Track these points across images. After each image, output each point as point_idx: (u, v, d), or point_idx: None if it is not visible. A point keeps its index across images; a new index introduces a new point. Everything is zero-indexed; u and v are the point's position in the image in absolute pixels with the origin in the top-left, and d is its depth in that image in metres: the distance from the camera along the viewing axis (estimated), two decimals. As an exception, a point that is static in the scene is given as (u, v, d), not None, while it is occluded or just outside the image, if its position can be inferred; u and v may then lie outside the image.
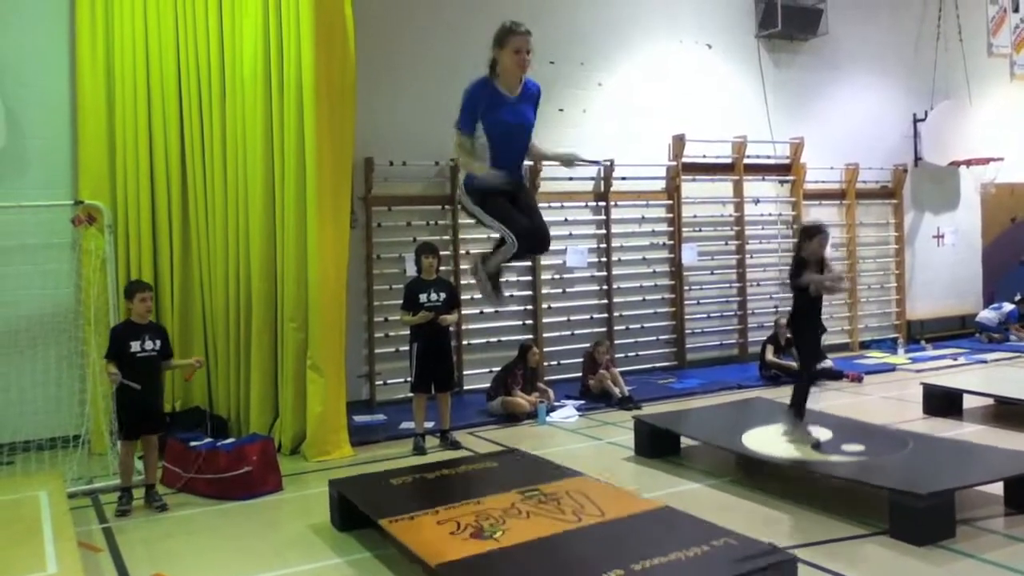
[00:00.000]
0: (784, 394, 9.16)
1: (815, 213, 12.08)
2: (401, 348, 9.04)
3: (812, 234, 6.67)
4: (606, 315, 11.01)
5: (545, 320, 10.57)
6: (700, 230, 11.70)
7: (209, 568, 5.09)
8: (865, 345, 12.83)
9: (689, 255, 11.46)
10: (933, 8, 13.77)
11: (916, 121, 13.65)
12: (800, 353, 6.99)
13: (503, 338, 10.07)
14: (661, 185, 11.52)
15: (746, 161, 11.97)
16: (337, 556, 5.17)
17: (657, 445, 7.16)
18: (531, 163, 9.40)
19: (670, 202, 11.53)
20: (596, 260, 11.00)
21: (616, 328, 11.01)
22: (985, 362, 11.32)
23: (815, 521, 5.47)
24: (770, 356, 10.42)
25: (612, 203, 11.05)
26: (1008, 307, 13.15)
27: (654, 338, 11.34)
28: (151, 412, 6.21)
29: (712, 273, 11.82)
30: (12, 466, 7.25)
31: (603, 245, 11.03)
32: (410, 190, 9.90)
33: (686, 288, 11.55)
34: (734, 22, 12.11)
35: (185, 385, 8.00)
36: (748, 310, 11.99)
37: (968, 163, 13.75)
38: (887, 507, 5.15)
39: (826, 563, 4.72)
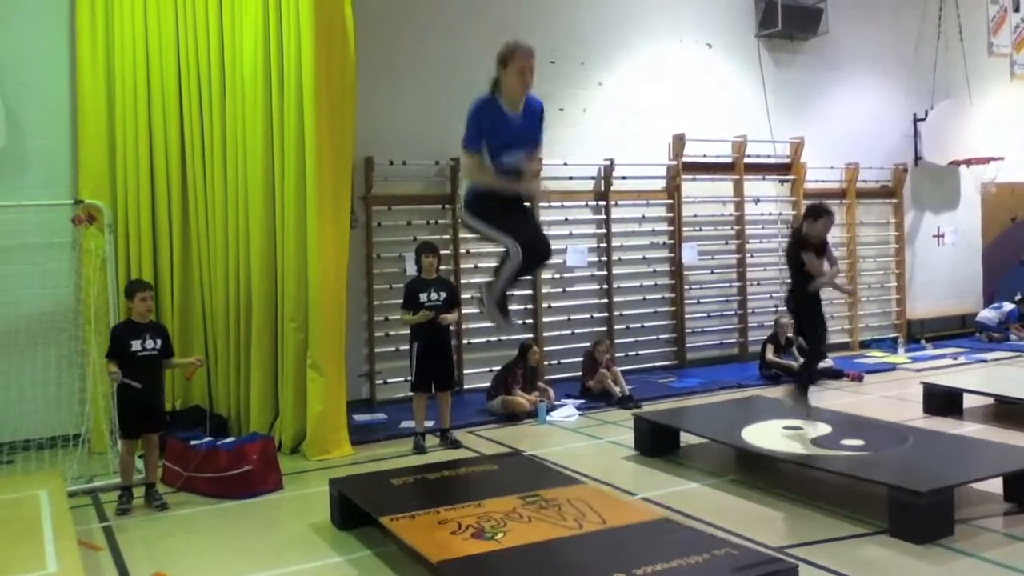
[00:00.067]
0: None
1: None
2: (401, 347, 9.05)
3: (818, 215, 6.59)
4: (606, 314, 11.01)
5: (545, 319, 10.57)
6: (700, 229, 11.70)
7: (209, 567, 5.10)
8: (865, 344, 12.83)
9: (689, 254, 11.46)
10: (933, 7, 13.77)
11: (916, 120, 13.65)
12: (806, 330, 6.85)
13: (503, 337, 10.06)
14: (661, 184, 11.52)
15: (746, 160, 11.97)
16: (337, 555, 5.17)
17: (657, 443, 7.17)
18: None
19: (670, 201, 11.53)
20: (596, 259, 11.00)
21: (616, 327, 11.01)
22: (985, 361, 11.33)
23: (815, 520, 5.47)
24: (770, 355, 10.43)
25: (612, 202, 11.05)
26: (1008, 306, 13.15)
27: (654, 337, 11.34)
28: (152, 411, 6.22)
29: (712, 272, 11.82)
30: (12, 465, 7.25)
31: (603, 244, 11.03)
32: (410, 189, 9.90)
33: (686, 287, 11.55)
34: (734, 22, 12.11)
35: (185, 384, 8.01)
36: (748, 309, 11.99)
37: (968, 163, 13.75)
38: (886, 505, 5.16)
39: (826, 562, 4.72)
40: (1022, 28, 14.87)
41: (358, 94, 7.82)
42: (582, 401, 9.30)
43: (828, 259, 6.79)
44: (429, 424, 7.85)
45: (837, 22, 12.54)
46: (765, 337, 10.75)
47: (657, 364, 11.25)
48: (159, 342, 6.23)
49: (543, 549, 4.47)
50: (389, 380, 9.59)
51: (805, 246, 6.58)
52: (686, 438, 7.23)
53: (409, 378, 7.86)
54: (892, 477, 5.32)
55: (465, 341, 10.00)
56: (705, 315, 11.76)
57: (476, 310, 9.76)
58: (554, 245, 10.59)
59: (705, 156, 11.68)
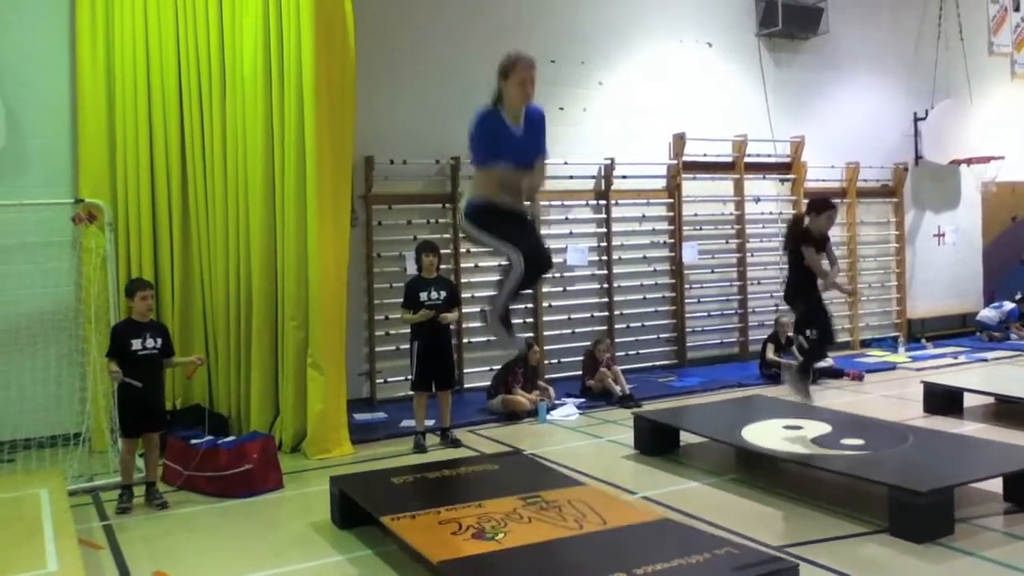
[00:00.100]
0: (784, 392, 9.19)
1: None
2: (402, 346, 9.05)
3: (822, 209, 6.50)
4: (606, 313, 11.02)
5: (546, 318, 10.57)
6: (701, 229, 11.70)
7: (210, 566, 5.10)
8: (866, 344, 12.84)
9: (690, 254, 11.46)
10: (934, 7, 13.76)
11: (917, 120, 13.65)
12: (811, 322, 6.70)
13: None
14: (662, 184, 11.52)
15: (747, 160, 11.97)
16: (338, 553, 5.17)
17: (657, 442, 7.17)
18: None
19: (671, 201, 11.53)
20: (597, 259, 11.01)
21: (616, 326, 11.01)
22: (986, 361, 11.33)
23: (815, 519, 5.47)
24: (771, 355, 10.42)
25: (613, 202, 11.06)
26: (1008, 306, 13.15)
27: (654, 336, 11.34)
28: (152, 410, 6.21)
29: (712, 272, 11.82)
30: (13, 464, 7.25)
31: (604, 244, 11.03)
32: (410, 188, 9.90)
33: (686, 286, 11.55)
34: (734, 21, 12.11)
35: (186, 383, 8.01)
36: (748, 308, 12.00)
37: (969, 162, 13.75)
38: (886, 504, 5.16)
39: (826, 561, 4.72)
40: (1022, 27, 14.86)
41: (358, 93, 7.82)
42: (582, 400, 9.30)
43: (828, 256, 6.73)
44: (429, 423, 7.84)
45: (837, 21, 12.54)
46: (765, 336, 10.74)
47: (657, 363, 11.25)
48: (159, 341, 6.23)
49: (543, 549, 4.47)
50: (389, 379, 9.60)
51: (807, 240, 6.51)
52: (686, 437, 7.23)
53: (409, 377, 7.86)
54: (892, 477, 5.32)
55: (465, 340, 10.00)
56: (705, 314, 11.76)
57: (476, 308, 9.80)
58: (554, 244, 10.66)
59: (705, 155, 11.67)
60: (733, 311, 11.98)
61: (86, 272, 7.52)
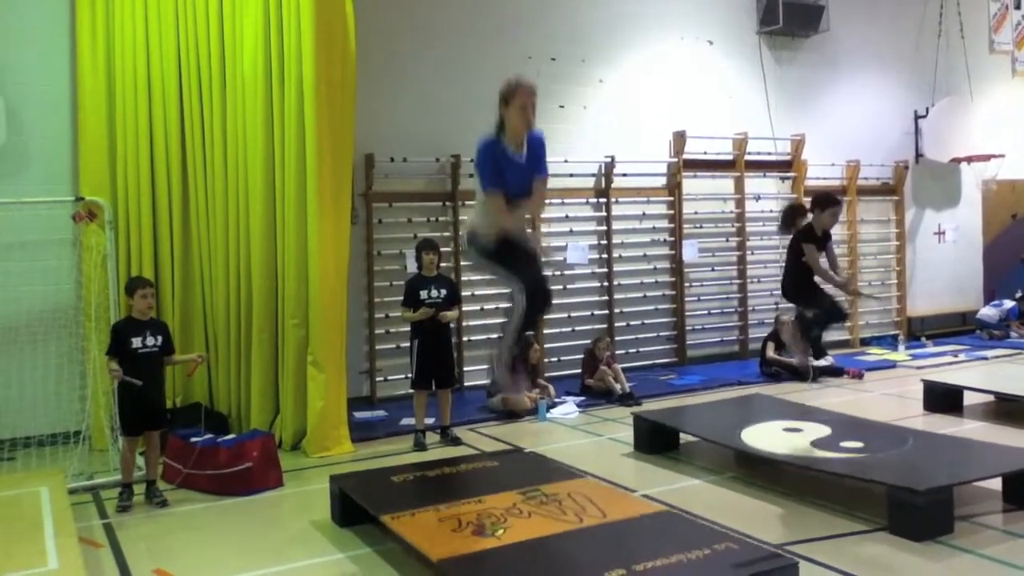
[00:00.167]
0: (785, 391, 9.22)
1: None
2: (402, 344, 9.05)
3: (827, 205, 6.40)
4: (607, 311, 11.01)
5: (545, 317, 10.56)
6: (701, 227, 11.69)
7: (210, 564, 5.10)
8: (866, 342, 12.83)
9: (690, 252, 11.46)
10: (934, 5, 13.75)
11: (917, 118, 13.63)
12: (812, 305, 6.61)
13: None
14: (662, 181, 11.52)
15: (747, 158, 11.96)
16: (338, 552, 5.18)
17: (657, 441, 7.17)
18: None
19: (671, 198, 11.53)
20: (597, 257, 11.00)
21: (617, 324, 11.01)
22: (986, 359, 11.33)
23: (814, 517, 5.47)
24: (771, 353, 10.42)
25: (613, 199, 11.05)
26: (1009, 304, 13.13)
27: (655, 334, 11.34)
28: (153, 408, 6.22)
29: (713, 270, 11.82)
30: (13, 462, 7.25)
31: (604, 242, 11.03)
32: (411, 186, 9.90)
33: (687, 285, 11.55)
34: (735, 19, 12.10)
35: (186, 381, 8.01)
36: (749, 307, 11.99)
37: (969, 160, 13.73)
38: (886, 503, 5.16)
39: (825, 559, 4.73)
40: (1023, 25, 14.85)
41: (359, 90, 7.81)
42: (582, 398, 9.30)
43: (828, 254, 6.68)
44: (429, 421, 7.85)
45: (838, 20, 12.51)
46: (766, 334, 10.74)
47: (657, 361, 11.25)
48: (160, 339, 6.23)
49: (543, 545, 4.47)
50: (389, 377, 9.60)
51: (809, 237, 6.46)
52: (686, 435, 7.23)
53: (409, 375, 7.86)
54: (891, 478, 5.31)
55: (465, 338, 10.00)
56: (706, 312, 11.76)
57: (477, 307, 9.80)
58: (555, 243, 10.65)
59: (706, 153, 11.67)
60: (733, 309, 11.98)
61: (86, 270, 7.52)
